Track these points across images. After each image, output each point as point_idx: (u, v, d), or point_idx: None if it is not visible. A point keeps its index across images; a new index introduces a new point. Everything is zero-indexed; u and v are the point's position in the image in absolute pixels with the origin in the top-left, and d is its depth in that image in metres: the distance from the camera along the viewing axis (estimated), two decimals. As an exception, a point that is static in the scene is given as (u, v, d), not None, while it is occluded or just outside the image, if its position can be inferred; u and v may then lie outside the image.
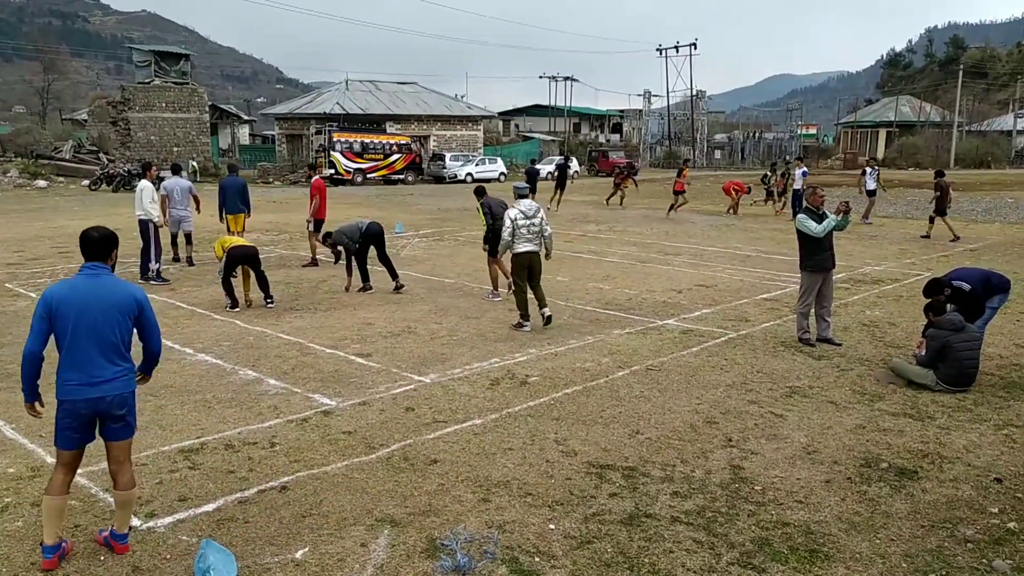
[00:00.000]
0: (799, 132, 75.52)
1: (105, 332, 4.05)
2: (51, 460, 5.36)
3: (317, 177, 13.96)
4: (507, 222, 9.44)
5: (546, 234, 9.63)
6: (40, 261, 13.93)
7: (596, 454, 5.64)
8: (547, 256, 9.78)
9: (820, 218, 8.49)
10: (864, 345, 8.74)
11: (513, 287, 9.67)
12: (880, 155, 68.52)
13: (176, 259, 13.75)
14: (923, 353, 7.30)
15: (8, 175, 33.73)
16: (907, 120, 74.71)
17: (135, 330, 4.24)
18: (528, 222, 9.43)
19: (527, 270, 9.50)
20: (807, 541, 4.46)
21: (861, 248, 16.64)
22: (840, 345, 8.58)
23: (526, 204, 9.58)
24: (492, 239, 11.02)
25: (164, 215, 12.69)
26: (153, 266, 11.93)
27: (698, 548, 4.36)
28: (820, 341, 8.65)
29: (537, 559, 4.22)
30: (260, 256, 10.46)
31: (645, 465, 5.46)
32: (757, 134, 74.06)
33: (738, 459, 5.58)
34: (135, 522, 4.53)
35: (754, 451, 5.73)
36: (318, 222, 13.55)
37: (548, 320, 9.39)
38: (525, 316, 9.42)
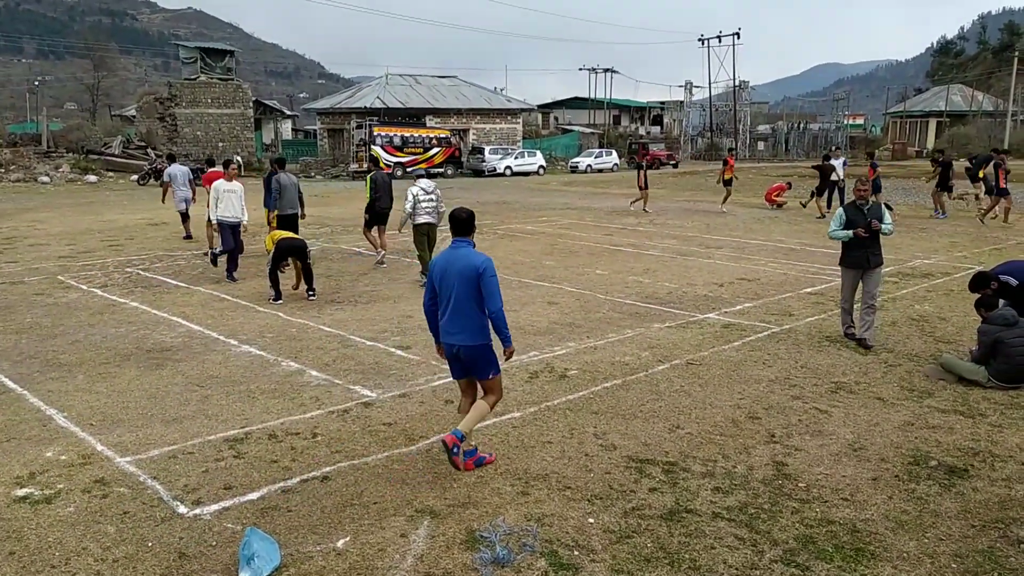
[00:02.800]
0: (845, 122, 73.89)
1: (457, 294, 5.00)
2: (101, 448, 5.52)
3: (210, 170, 14.77)
4: (409, 197, 10.92)
5: (441, 210, 11.05)
6: (91, 254, 14.30)
7: (636, 448, 5.60)
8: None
9: (859, 213, 8.10)
10: (913, 340, 8.53)
11: (417, 252, 11.42)
12: (930, 145, 66.72)
13: (188, 237, 15.83)
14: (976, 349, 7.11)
15: (60, 170, 34.70)
16: (958, 109, 72.55)
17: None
18: (427, 197, 11.00)
19: (425, 237, 11.17)
20: (853, 539, 4.37)
21: (910, 241, 16.24)
22: (871, 348, 8.10)
23: (425, 183, 11.18)
24: (371, 211, 12.76)
25: (164, 197, 16.15)
26: (215, 250, 12.08)
27: (740, 545, 4.30)
28: (856, 340, 8.33)
29: (576, 553, 4.21)
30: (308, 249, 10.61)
31: (686, 460, 5.41)
32: (802, 125, 72.57)
33: (781, 455, 5.49)
34: (182, 509, 4.64)
35: (798, 447, 5.64)
36: None
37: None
38: (426, 271, 10.53)
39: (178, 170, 15.77)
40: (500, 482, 5.05)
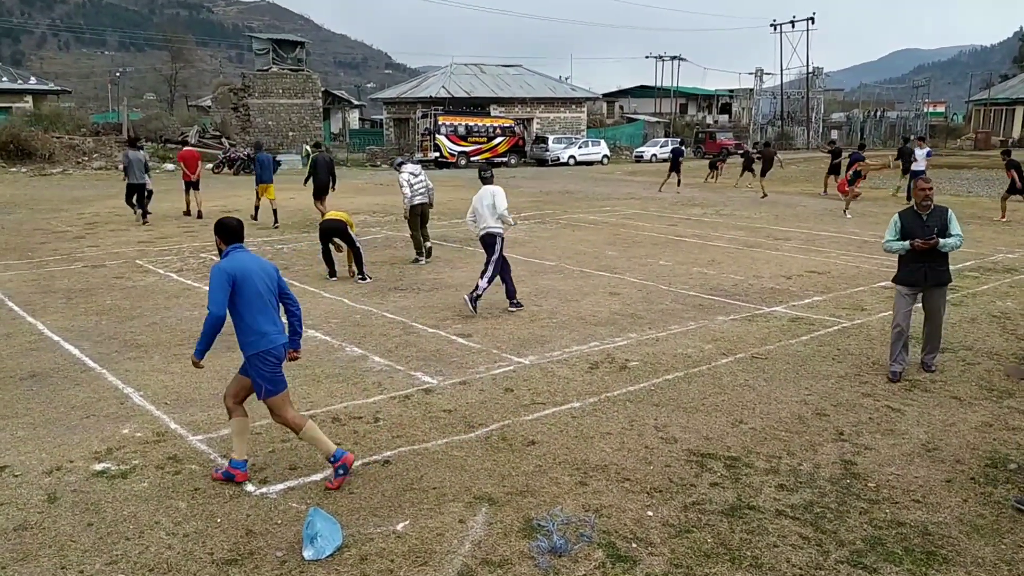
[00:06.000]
0: (925, 110, 70.94)
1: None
2: (174, 426, 5.72)
3: (184, 148, 18.47)
4: (403, 183, 11.96)
5: (430, 187, 12.25)
6: (167, 240, 14.83)
7: (697, 442, 5.51)
8: (431, 206, 12.50)
9: (918, 220, 6.71)
10: (993, 338, 8.15)
11: (410, 233, 12.39)
12: (1016, 135, 63.58)
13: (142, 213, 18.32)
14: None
15: (140, 159, 36.00)
16: (1048, 96, 68.79)
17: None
18: (417, 179, 11.98)
19: (419, 217, 12.12)
20: (924, 543, 4.21)
21: (992, 234, 15.52)
22: (932, 370, 7.04)
23: (411, 167, 12.26)
24: (315, 185, 15.78)
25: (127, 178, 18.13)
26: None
27: (805, 544, 4.20)
28: (923, 367, 7.11)
29: (634, 545, 4.17)
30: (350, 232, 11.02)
31: (749, 456, 5.30)
32: (879, 112, 69.97)
33: (850, 454, 5.33)
34: (249, 488, 4.78)
35: (868, 446, 5.46)
36: (195, 182, 18.44)
37: (429, 252, 12.36)
38: (419, 253, 12.25)
39: (135, 156, 17.94)
40: (558, 472, 5.04)
